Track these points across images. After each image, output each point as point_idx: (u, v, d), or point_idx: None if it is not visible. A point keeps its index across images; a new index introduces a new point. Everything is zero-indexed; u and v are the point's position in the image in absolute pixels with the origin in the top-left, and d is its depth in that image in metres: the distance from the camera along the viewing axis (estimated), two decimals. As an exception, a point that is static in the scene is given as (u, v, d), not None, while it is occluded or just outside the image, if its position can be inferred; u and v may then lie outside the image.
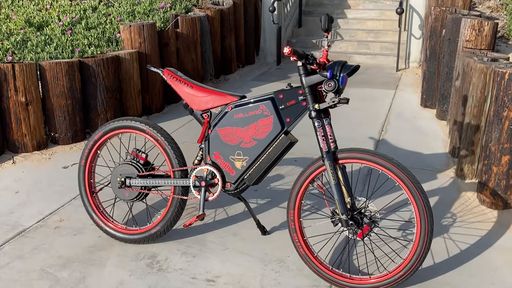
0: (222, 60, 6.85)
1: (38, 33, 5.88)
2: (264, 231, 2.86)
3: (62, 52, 5.46)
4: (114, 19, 6.40)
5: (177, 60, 5.67)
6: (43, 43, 5.60)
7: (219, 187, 2.59)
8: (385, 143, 4.31)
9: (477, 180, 3.41)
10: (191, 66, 5.86)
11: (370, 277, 2.32)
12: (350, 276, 2.35)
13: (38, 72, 4.23)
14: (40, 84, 4.26)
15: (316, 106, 2.32)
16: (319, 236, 2.78)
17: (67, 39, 5.75)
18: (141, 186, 2.71)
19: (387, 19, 8.42)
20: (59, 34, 5.88)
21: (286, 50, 2.14)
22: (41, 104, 4.22)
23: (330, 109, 2.38)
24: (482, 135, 3.37)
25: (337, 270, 2.38)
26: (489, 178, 3.11)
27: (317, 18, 8.71)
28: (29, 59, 5.20)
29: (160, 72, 2.70)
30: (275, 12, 7.29)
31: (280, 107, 2.45)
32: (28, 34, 5.82)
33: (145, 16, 6.43)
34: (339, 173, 2.32)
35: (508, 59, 3.72)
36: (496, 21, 4.31)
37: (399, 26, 7.15)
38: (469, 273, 2.49)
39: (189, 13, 6.40)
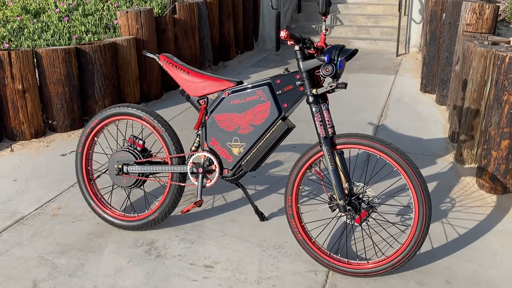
0: (221, 46, 6.80)
1: (35, 20, 5.83)
2: (262, 217, 2.86)
3: (59, 39, 5.42)
4: (112, 5, 6.33)
5: (175, 46, 5.63)
6: (40, 30, 5.56)
7: (216, 174, 2.58)
8: (384, 128, 4.29)
9: (476, 165, 3.39)
10: (189, 53, 5.82)
11: (368, 262, 2.32)
12: (348, 261, 2.35)
13: (35, 60, 4.20)
14: (37, 71, 4.23)
15: (314, 91, 2.29)
16: (317, 221, 2.78)
17: (64, 26, 5.70)
18: (139, 173, 2.70)
19: (387, 3, 8.33)
20: (56, 21, 5.83)
21: (282, 34, 2.11)
22: (38, 91, 4.20)
23: (328, 94, 2.36)
24: (481, 119, 3.35)
25: (335, 256, 2.38)
26: (488, 162, 3.10)
27: (317, 3, 8.62)
28: (25, 46, 5.16)
29: (156, 58, 2.67)
30: (274, -3, 7.22)
31: (277, 93, 2.42)
32: (24, 21, 5.77)
33: (143, 2, 6.37)
34: (337, 158, 2.30)
35: (509, 42, 3.68)
36: (497, 4, 4.25)
37: (399, 11, 7.09)
38: (467, 257, 2.49)
39: (187, -1, 6.33)
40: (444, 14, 4.83)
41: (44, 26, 5.68)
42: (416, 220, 2.21)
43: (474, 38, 3.80)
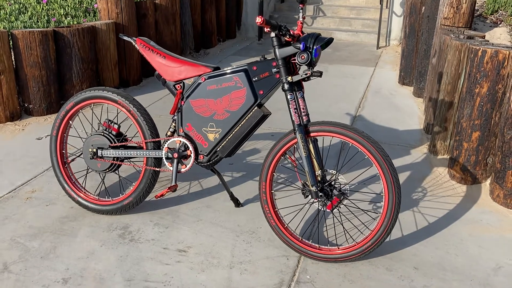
0: (203, 34, 6.76)
1: (12, 1, 5.71)
2: (237, 203, 2.88)
3: (37, 21, 5.32)
4: (92, -12, 6.23)
5: (156, 32, 5.58)
6: (17, 12, 5.44)
7: (191, 159, 2.59)
8: (361, 119, 4.35)
9: (448, 156, 3.47)
10: (170, 39, 5.78)
11: (338, 248, 2.36)
12: (319, 246, 2.39)
13: (11, 41, 4.12)
14: (12, 53, 4.15)
15: (289, 78, 2.31)
16: (291, 207, 2.82)
17: (42, 9, 5.59)
18: (113, 157, 2.69)
19: (369, -4, 8.38)
20: (34, 3, 5.71)
21: (258, 20, 2.11)
22: (14, 74, 4.13)
23: (304, 82, 2.38)
24: (455, 111, 3.42)
25: (306, 241, 2.42)
26: (459, 154, 3.17)
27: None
28: (1, 27, 5.05)
29: (132, 41, 2.65)
30: (257, -14, 7.18)
31: (254, 79, 2.43)
32: (1, 2, 5.64)
33: (124, -13, 6.27)
34: (311, 145, 2.33)
35: (484, 37, 3.75)
36: (474, -1, 4.31)
37: (380, 3, 7.13)
38: (435, 245, 2.56)
39: (168, -15, 6.26)
40: (423, 7, 4.89)
41: (22, 7, 5.57)
42: (385, 207, 2.25)
43: (451, 32, 3.86)
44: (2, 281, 2.21)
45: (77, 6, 5.78)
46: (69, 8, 5.67)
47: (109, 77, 4.86)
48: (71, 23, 5.31)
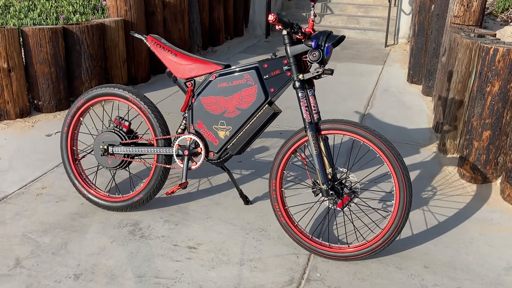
0: (210, 31, 6.76)
1: (21, -1, 5.74)
2: (246, 201, 2.88)
3: (46, 18, 5.35)
4: (100, -14, 6.24)
5: (164, 29, 5.59)
6: (26, 9, 5.47)
7: (202, 156, 2.59)
8: (370, 117, 4.34)
9: (458, 155, 3.45)
10: (178, 36, 5.78)
11: (348, 246, 2.36)
12: (329, 245, 2.39)
13: (21, 38, 4.14)
14: (22, 50, 4.17)
15: (300, 76, 2.31)
16: (301, 205, 2.82)
17: (51, 6, 5.62)
18: (124, 154, 2.70)
19: (378, -7, 8.34)
20: (43, 0, 5.74)
21: (270, 17, 2.11)
22: (24, 71, 4.15)
23: (315, 80, 2.38)
24: (465, 110, 3.40)
25: (316, 239, 2.42)
26: (470, 153, 3.15)
27: (308, -9, 8.59)
28: (11, 25, 5.08)
29: (143, 38, 2.66)
30: (265, -16, 7.18)
31: (265, 77, 2.43)
32: (10, 0, 5.67)
33: (132, -16, 6.28)
34: (321, 143, 2.33)
35: (495, 35, 3.73)
36: (485, -3, 4.29)
37: (389, 1, 7.11)
38: (445, 244, 2.55)
39: (177, -18, 6.26)
40: (433, 6, 4.86)
41: (31, 5, 5.60)
42: (396, 206, 2.25)
43: (461, 30, 3.84)
44: (15, 276, 2.23)
45: (85, 3, 5.81)
46: (78, 5, 5.70)
47: (118, 74, 4.87)
48: (79, 20, 5.33)
